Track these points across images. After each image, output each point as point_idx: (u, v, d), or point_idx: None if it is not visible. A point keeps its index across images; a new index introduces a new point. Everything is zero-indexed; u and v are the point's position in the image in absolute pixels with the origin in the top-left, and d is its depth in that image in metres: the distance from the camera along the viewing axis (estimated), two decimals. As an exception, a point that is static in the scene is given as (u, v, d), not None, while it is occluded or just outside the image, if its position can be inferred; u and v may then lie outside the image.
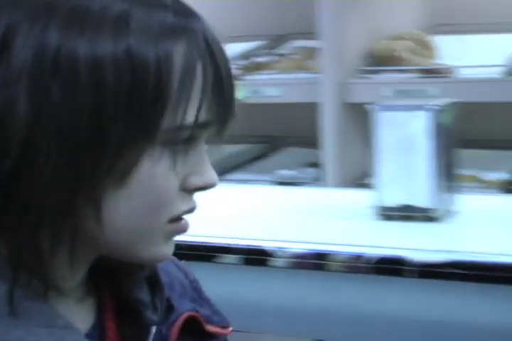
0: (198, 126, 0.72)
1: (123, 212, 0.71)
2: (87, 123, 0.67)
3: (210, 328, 0.86)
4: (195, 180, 0.74)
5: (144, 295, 0.80)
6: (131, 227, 0.73)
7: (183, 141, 0.72)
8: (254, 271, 1.47)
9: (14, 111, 0.66)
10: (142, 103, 0.68)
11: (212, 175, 0.75)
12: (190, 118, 0.71)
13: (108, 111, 0.67)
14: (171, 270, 0.87)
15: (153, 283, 0.82)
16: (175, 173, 0.72)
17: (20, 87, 0.66)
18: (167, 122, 0.70)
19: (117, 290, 0.81)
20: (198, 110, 0.71)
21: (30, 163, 0.67)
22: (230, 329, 0.89)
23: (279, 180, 2.48)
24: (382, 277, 1.38)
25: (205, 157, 0.75)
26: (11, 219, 0.69)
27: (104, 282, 0.81)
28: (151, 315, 0.80)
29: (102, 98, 0.67)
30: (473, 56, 2.35)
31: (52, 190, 0.68)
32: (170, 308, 0.83)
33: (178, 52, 0.70)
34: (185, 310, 0.84)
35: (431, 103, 1.55)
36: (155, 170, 0.71)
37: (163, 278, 0.83)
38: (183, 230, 0.76)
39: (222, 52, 0.73)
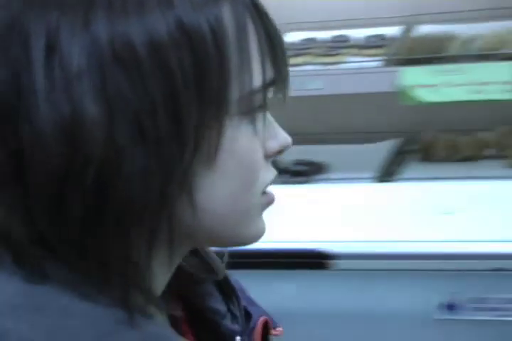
0: (267, 86, 0.68)
1: (219, 193, 0.67)
2: (163, 110, 0.62)
3: (273, 331, 0.83)
4: (272, 144, 0.71)
5: (218, 304, 0.77)
6: (229, 208, 0.69)
7: (257, 107, 0.68)
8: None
9: (85, 114, 0.60)
10: (208, 75, 0.64)
11: (285, 135, 0.73)
12: (257, 80, 0.67)
13: (179, 92, 0.62)
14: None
15: (225, 290, 0.79)
16: (258, 141, 0.69)
17: (83, 87, 0.60)
18: (237, 90, 0.66)
19: (186, 299, 0.76)
20: (264, 69, 0.67)
21: (116, 165, 0.61)
22: (281, 329, 0.85)
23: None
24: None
25: (272, 120, 0.72)
26: (104, 233, 0.62)
27: (170, 290, 0.75)
28: (231, 325, 0.76)
29: (169, 80, 0.62)
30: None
31: (144, 189, 0.62)
32: (247, 315, 0.80)
33: (226, 13, 0.65)
34: (258, 313, 0.81)
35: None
36: (240, 143, 0.67)
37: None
38: (273, 201, 0.73)
39: (262, 5, 0.69)
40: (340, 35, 2.46)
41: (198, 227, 0.68)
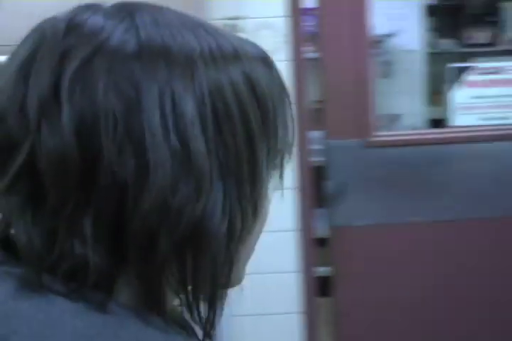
0: (288, 146, 0.76)
1: (252, 237, 0.74)
2: (243, 152, 0.70)
3: None
4: None
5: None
6: (249, 252, 0.76)
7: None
8: None
9: (196, 151, 0.67)
10: (269, 126, 0.72)
11: None
12: (286, 140, 0.75)
13: (255, 140, 0.70)
14: None
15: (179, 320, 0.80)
16: None
17: (194, 131, 0.67)
18: (279, 144, 0.74)
19: None
20: (292, 132, 0.76)
21: (214, 205, 0.68)
22: None
23: None
24: None
25: None
26: (181, 267, 0.68)
27: None
28: None
29: (248, 126, 0.70)
30: None
31: (229, 228, 0.69)
32: None
33: (271, 78, 0.74)
34: None
35: None
36: (269, 193, 0.75)
37: None
38: None
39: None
40: None
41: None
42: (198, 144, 0.67)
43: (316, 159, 2.96)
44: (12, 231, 0.69)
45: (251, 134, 0.70)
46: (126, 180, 0.65)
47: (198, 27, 0.71)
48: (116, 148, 0.65)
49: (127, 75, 0.66)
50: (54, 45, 0.67)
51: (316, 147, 2.96)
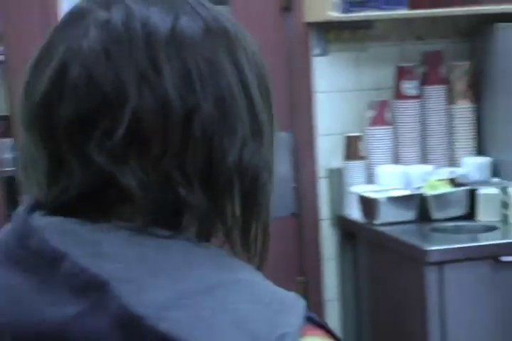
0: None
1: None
2: (269, 116, 0.83)
3: None
4: None
5: None
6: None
7: None
8: None
9: (260, 113, 0.81)
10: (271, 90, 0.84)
11: None
12: None
13: (271, 101, 0.83)
14: None
15: None
16: None
17: (255, 91, 0.81)
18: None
19: None
20: None
21: (266, 158, 0.81)
22: None
23: None
24: None
25: None
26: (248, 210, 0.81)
27: None
28: None
29: (269, 92, 0.83)
30: None
31: (270, 176, 0.82)
32: None
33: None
34: None
35: None
36: None
37: None
38: None
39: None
40: None
41: None
42: (258, 101, 0.80)
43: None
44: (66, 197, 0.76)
45: (269, 96, 0.83)
46: (214, 133, 0.77)
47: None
48: (207, 103, 0.76)
49: (204, 51, 0.78)
50: (132, 29, 0.77)
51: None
